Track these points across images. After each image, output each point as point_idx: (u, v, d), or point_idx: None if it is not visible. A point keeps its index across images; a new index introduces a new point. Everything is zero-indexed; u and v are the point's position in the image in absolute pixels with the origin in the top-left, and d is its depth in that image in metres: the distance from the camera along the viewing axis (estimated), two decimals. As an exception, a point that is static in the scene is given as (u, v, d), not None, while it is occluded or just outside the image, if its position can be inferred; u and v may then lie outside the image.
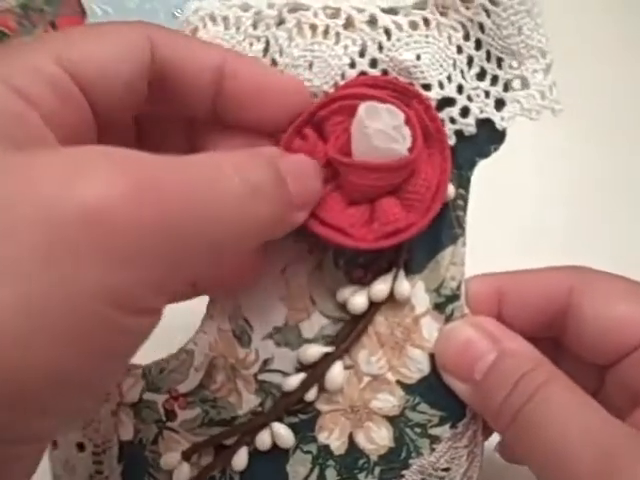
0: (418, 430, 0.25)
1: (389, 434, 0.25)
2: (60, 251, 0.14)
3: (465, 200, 0.25)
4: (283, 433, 0.25)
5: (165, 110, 0.22)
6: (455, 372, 0.24)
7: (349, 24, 0.24)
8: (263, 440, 0.25)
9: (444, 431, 0.25)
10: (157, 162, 0.16)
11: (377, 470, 0.25)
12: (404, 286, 0.24)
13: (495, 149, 0.24)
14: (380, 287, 0.24)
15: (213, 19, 0.25)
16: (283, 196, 0.20)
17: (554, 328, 0.25)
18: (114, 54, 0.20)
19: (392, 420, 0.25)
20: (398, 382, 0.25)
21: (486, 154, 0.24)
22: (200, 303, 0.26)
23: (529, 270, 0.25)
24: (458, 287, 0.25)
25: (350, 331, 0.25)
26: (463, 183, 0.24)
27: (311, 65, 0.24)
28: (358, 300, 0.24)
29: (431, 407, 0.25)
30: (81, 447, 0.27)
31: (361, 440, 0.25)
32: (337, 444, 0.25)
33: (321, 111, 0.23)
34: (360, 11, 0.24)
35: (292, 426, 0.25)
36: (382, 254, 0.24)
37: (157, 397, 0.26)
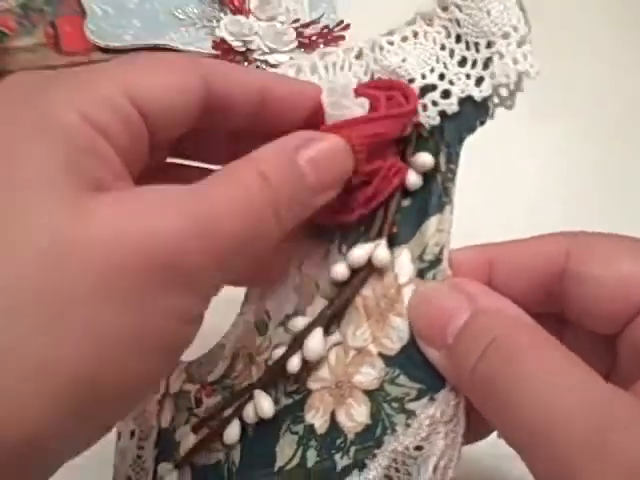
0: (395, 405, 0.23)
1: (367, 410, 0.23)
2: (142, 290, 0.17)
3: (454, 174, 0.25)
4: (262, 402, 0.25)
5: (212, 127, 0.24)
6: (428, 337, 0.22)
7: (359, 55, 0.29)
8: (248, 411, 0.25)
9: (420, 405, 0.22)
10: (206, 197, 0.18)
11: (352, 450, 0.23)
12: (382, 253, 0.24)
13: (481, 123, 0.25)
14: (357, 254, 0.24)
15: None
16: (304, 190, 0.20)
17: (552, 299, 0.21)
18: (175, 87, 0.20)
19: (371, 394, 0.23)
20: (380, 354, 0.24)
21: (472, 129, 0.25)
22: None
23: (521, 239, 0.23)
24: (441, 251, 0.24)
25: (336, 301, 0.25)
26: (452, 158, 0.25)
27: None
28: (339, 267, 0.25)
29: (410, 379, 0.23)
30: (132, 434, 0.30)
31: (341, 417, 0.24)
32: (320, 422, 0.24)
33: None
34: (366, 42, 0.29)
35: (285, 407, 0.25)
36: (371, 230, 0.25)
37: (191, 387, 0.29)
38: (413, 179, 0.25)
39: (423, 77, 0.26)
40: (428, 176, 0.25)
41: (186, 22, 0.43)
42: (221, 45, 0.42)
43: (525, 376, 0.18)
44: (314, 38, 0.41)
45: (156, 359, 0.18)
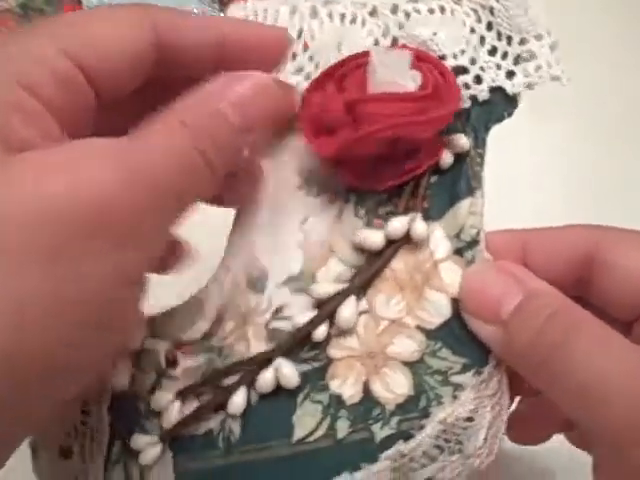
0: (439, 378, 0.23)
1: (408, 381, 0.23)
2: (69, 247, 0.16)
3: (482, 158, 0.26)
4: (287, 371, 0.23)
5: (170, 78, 0.22)
6: (480, 313, 0.23)
7: (374, 12, 0.28)
8: (265, 379, 0.23)
9: (467, 379, 0.23)
10: (138, 149, 0.18)
11: (394, 420, 0.23)
12: (421, 227, 0.24)
13: (509, 114, 0.26)
14: (396, 225, 0.24)
15: (255, 13, 0.28)
16: (229, 132, 0.20)
17: (579, 284, 0.24)
18: (118, 39, 0.20)
19: (411, 366, 0.23)
20: (418, 327, 0.24)
21: (500, 119, 0.26)
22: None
23: (553, 227, 0.26)
24: (478, 234, 0.25)
25: (364, 271, 0.24)
26: (479, 144, 0.26)
27: (339, 46, 0.27)
28: (375, 237, 0.24)
29: (453, 353, 0.23)
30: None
31: (377, 388, 0.23)
32: (350, 393, 0.23)
33: (341, 69, 0.26)
34: (383, 2, 0.28)
35: (302, 375, 0.24)
36: (399, 202, 0.25)
37: (160, 345, 0.25)
38: (447, 158, 0.26)
39: (454, 57, 0.26)
40: (459, 157, 0.26)
41: None
42: None
43: (582, 346, 0.21)
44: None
45: (92, 330, 0.17)
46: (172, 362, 0.25)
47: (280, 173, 0.27)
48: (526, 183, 0.42)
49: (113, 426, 0.24)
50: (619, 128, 0.42)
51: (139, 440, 0.23)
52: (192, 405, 0.24)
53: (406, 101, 0.24)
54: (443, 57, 0.26)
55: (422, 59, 0.25)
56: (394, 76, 0.24)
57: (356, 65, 0.25)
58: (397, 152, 0.24)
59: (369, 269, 0.24)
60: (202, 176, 0.19)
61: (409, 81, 0.24)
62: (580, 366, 0.20)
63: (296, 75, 0.26)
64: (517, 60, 0.26)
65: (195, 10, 0.43)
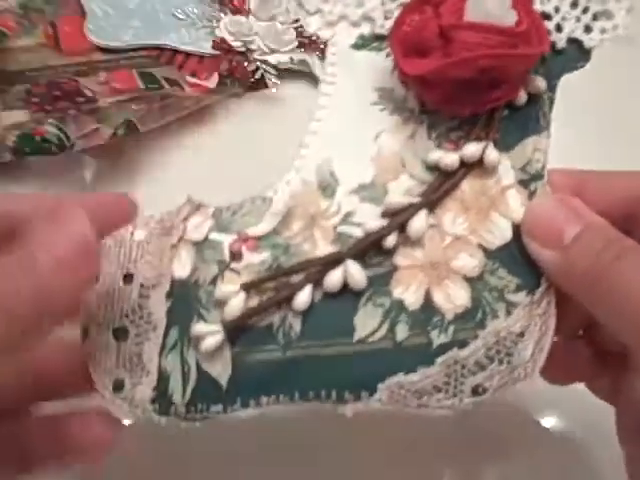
0: (495, 294, 0.24)
1: (467, 294, 0.24)
2: None
3: (552, 101, 0.27)
4: (356, 272, 0.24)
5: None
6: (543, 238, 0.24)
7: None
8: (333, 279, 0.24)
9: (520, 298, 0.24)
10: None
11: (451, 329, 0.24)
12: (494, 154, 0.25)
13: (581, 66, 0.28)
14: (472, 149, 0.25)
15: None
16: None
17: (629, 220, 0.26)
18: None
19: (470, 281, 0.24)
20: (479, 245, 0.25)
21: (572, 69, 0.27)
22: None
23: (610, 171, 0.27)
24: (542, 168, 0.26)
25: (437, 188, 0.25)
26: (552, 88, 0.27)
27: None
28: (451, 158, 0.25)
29: (509, 273, 0.24)
30: (129, 278, 0.25)
31: (438, 297, 0.24)
32: (412, 299, 0.24)
33: None
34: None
35: (367, 279, 0.24)
36: (473, 130, 0.26)
37: (224, 237, 0.25)
38: (522, 96, 0.27)
39: (542, 2, 0.27)
40: (532, 97, 0.27)
41: (186, 22, 0.42)
42: (221, 45, 0.42)
43: (631, 266, 0.22)
44: (314, 38, 0.40)
45: None
46: (236, 255, 0.25)
47: (357, 87, 0.27)
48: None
49: (170, 312, 0.24)
50: (621, 128, 0.42)
51: (201, 328, 0.24)
52: (255, 299, 0.24)
53: (501, 35, 0.25)
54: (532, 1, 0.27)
55: (518, 0, 0.26)
56: (493, 9, 0.24)
57: None
58: (482, 82, 0.25)
59: (440, 187, 0.25)
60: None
61: (506, 16, 0.25)
62: (629, 284, 0.22)
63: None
64: (595, 16, 0.28)
65: (195, 10, 0.43)
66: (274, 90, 0.41)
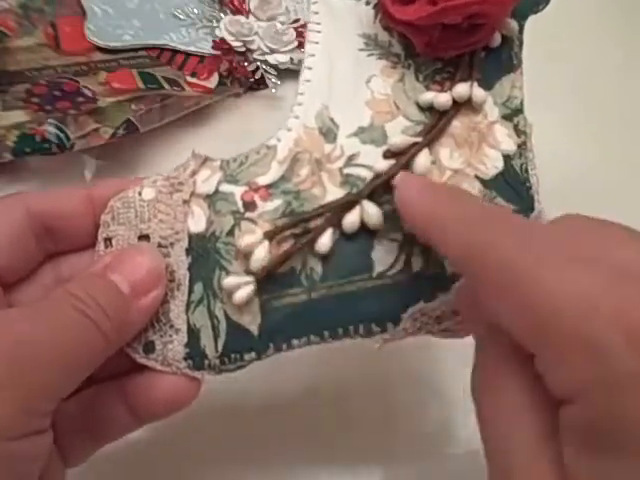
0: None
1: None
2: None
3: (520, 42, 0.29)
4: (373, 212, 0.25)
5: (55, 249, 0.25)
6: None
7: None
8: (351, 220, 0.25)
9: None
10: (24, 319, 0.20)
11: None
12: (481, 92, 0.27)
13: (542, 8, 0.30)
14: (462, 89, 0.27)
15: None
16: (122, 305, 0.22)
17: None
18: None
19: None
20: (476, 177, 0.27)
21: (535, 11, 0.30)
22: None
23: None
24: (521, 103, 0.28)
25: (433, 127, 0.27)
26: (520, 29, 0.29)
27: None
28: (444, 98, 0.27)
29: (505, 200, 0.27)
30: (145, 240, 0.25)
31: None
32: None
33: None
34: None
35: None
36: (456, 72, 0.28)
37: (235, 189, 0.26)
38: (497, 38, 0.29)
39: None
40: (505, 39, 0.29)
41: (186, 22, 0.43)
42: (221, 45, 0.42)
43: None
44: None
45: None
46: (249, 205, 0.26)
47: (342, 34, 0.28)
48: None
49: (192, 268, 0.24)
50: (619, 128, 0.41)
51: (232, 280, 0.24)
52: (277, 246, 0.25)
53: None
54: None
55: None
56: None
57: None
58: (463, 26, 0.27)
59: (436, 126, 0.27)
60: (93, 343, 0.20)
61: None
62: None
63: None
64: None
65: (195, 10, 0.43)
66: (274, 90, 0.42)
